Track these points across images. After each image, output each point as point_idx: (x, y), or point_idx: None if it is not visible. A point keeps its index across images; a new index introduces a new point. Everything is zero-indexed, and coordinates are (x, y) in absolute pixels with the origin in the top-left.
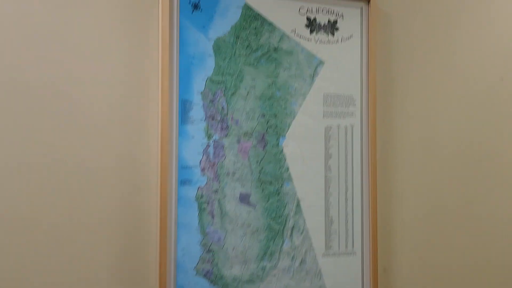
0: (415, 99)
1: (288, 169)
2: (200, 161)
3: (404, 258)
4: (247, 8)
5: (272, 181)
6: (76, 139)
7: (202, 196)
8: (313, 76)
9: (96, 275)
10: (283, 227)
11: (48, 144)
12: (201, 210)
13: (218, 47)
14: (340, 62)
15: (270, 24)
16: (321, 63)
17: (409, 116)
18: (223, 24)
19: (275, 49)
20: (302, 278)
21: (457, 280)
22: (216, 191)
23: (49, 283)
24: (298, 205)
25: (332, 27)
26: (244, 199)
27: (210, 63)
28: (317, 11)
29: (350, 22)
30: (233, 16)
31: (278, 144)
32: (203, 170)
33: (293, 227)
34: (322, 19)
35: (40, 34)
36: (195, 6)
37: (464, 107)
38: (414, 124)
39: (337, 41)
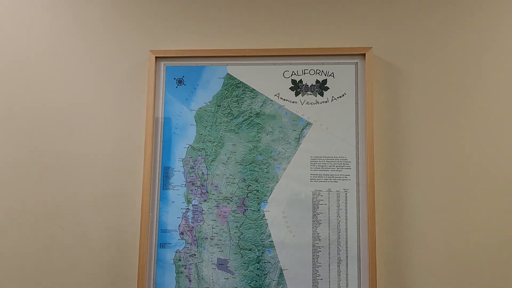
0: (421, 159)
1: (270, 235)
2: (179, 225)
3: None
4: (229, 78)
5: (252, 248)
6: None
7: (180, 260)
8: (298, 139)
9: None
10: None
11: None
12: (178, 273)
13: (199, 117)
14: (330, 122)
15: (253, 90)
16: (308, 124)
17: (413, 180)
18: (205, 95)
19: (257, 114)
20: None
21: None
22: (193, 255)
23: None
24: (281, 275)
25: (320, 87)
26: (222, 265)
27: (191, 132)
28: (304, 72)
29: (342, 79)
30: (215, 86)
31: (259, 210)
32: (181, 234)
33: None
34: (309, 80)
35: (49, 103)
36: (179, 82)
37: (477, 173)
38: (418, 188)
39: (327, 100)
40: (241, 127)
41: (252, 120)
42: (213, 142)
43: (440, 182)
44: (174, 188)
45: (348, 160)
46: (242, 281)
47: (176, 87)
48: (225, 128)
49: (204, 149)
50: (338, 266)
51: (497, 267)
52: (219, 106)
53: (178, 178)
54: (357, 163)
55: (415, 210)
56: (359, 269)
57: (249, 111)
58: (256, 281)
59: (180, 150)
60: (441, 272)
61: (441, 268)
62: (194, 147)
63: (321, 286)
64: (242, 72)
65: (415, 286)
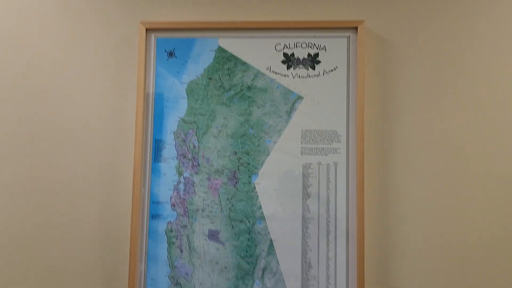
0: (415, 133)
1: (260, 207)
2: (171, 197)
3: None
4: (220, 51)
5: (243, 220)
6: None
7: (171, 231)
8: (290, 112)
9: None
10: (254, 267)
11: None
12: (170, 244)
13: (191, 90)
14: (322, 96)
15: (244, 63)
16: (299, 98)
17: (403, 153)
18: (197, 68)
19: (249, 88)
20: None
21: None
22: (185, 227)
23: None
24: (271, 245)
25: (312, 60)
26: (213, 236)
27: (183, 105)
28: (296, 45)
29: (334, 53)
30: (207, 59)
31: (250, 182)
32: (173, 205)
33: (264, 268)
34: (301, 54)
35: (37, 76)
36: (170, 54)
37: (473, 147)
38: (408, 162)
39: (318, 74)
40: (232, 100)
41: (244, 93)
42: (205, 115)
43: (431, 156)
44: (166, 161)
45: (338, 134)
46: (232, 251)
47: (167, 59)
48: (216, 101)
49: (196, 122)
50: (327, 238)
51: (489, 251)
52: (211, 79)
53: (169, 151)
54: (348, 136)
55: (405, 183)
56: (347, 240)
57: (241, 84)
58: (247, 252)
59: (171, 123)
60: (430, 245)
61: (430, 241)
62: (186, 120)
63: (310, 256)
64: (234, 45)
65: (403, 256)
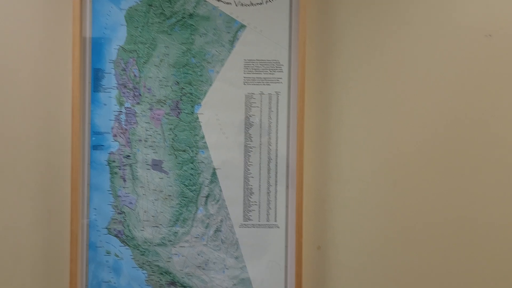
0: (355, 65)
1: (203, 137)
2: (112, 127)
3: (340, 236)
4: None
5: (186, 149)
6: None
7: (114, 161)
8: (232, 41)
9: (18, 230)
10: (197, 195)
11: None
12: (113, 174)
13: (130, 17)
14: (264, 25)
15: None
16: (242, 27)
17: (344, 83)
18: None
19: (191, 15)
20: (217, 247)
21: (395, 263)
22: (127, 157)
23: None
24: (214, 174)
25: None
26: (156, 165)
27: (122, 33)
28: None
29: None
30: None
31: (193, 112)
32: (115, 136)
33: (208, 196)
34: None
35: None
36: None
37: (416, 75)
38: (350, 92)
39: (261, 2)
40: (174, 28)
41: (186, 21)
42: (145, 44)
43: (371, 84)
44: (106, 91)
45: (281, 64)
46: (176, 180)
47: None
48: (157, 29)
49: (136, 50)
50: (268, 165)
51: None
52: (151, 5)
53: (109, 80)
54: (290, 66)
55: (345, 112)
56: (287, 167)
57: (182, 11)
58: (190, 180)
59: (110, 52)
60: (366, 168)
61: (367, 164)
62: (125, 48)
63: (252, 183)
64: None
65: (340, 180)
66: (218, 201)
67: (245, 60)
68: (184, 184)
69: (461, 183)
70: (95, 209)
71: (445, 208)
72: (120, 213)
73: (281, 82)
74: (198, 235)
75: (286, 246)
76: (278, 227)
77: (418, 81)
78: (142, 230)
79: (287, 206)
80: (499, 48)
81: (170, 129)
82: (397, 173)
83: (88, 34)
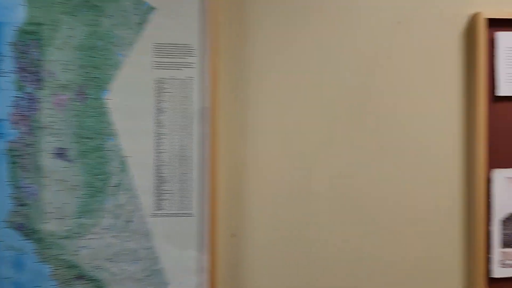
0: (271, 51)
1: (112, 124)
2: (11, 114)
3: (255, 224)
4: None
5: (93, 137)
6: None
7: (13, 150)
8: (141, 24)
9: None
10: (106, 185)
11: None
12: (12, 163)
13: None
14: (174, 7)
15: None
16: (151, 9)
17: (258, 66)
18: None
19: None
20: (128, 238)
21: (310, 250)
22: (29, 145)
23: None
24: (123, 162)
25: None
26: (60, 154)
27: (21, 13)
28: None
29: None
30: None
31: (100, 97)
32: (14, 123)
33: (117, 185)
34: None
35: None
36: None
37: (330, 62)
38: (266, 77)
39: None
40: (78, 9)
41: (91, 2)
42: (47, 25)
43: (285, 70)
44: (3, 75)
45: (193, 48)
46: (82, 169)
47: None
48: (60, 10)
49: (37, 32)
50: (181, 152)
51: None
52: None
53: (6, 63)
54: (202, 51)
55: (260, 100)
56: (201, 153)
57: None
58: (98, 169)
59: (8, 33)
60: (282, 170)
61: (282, 162)
62: (25, 30)
63: (164, 171)
64: None
65: (261, 170)
66: (128, 190)
67: (154, 43)
68: (91, 173)
69: (372, 168)
70: None
71: (357, 191)
72: (21, 205)
73: (194, 67)
74: (107, 226)
75: (201, 235)
76: (192, 216)
77: (332, 68)
78: (46, 223)
79: (201, 195)
80: (408, 34)
81: (75, 115)
82: (311, 161)
83: None
